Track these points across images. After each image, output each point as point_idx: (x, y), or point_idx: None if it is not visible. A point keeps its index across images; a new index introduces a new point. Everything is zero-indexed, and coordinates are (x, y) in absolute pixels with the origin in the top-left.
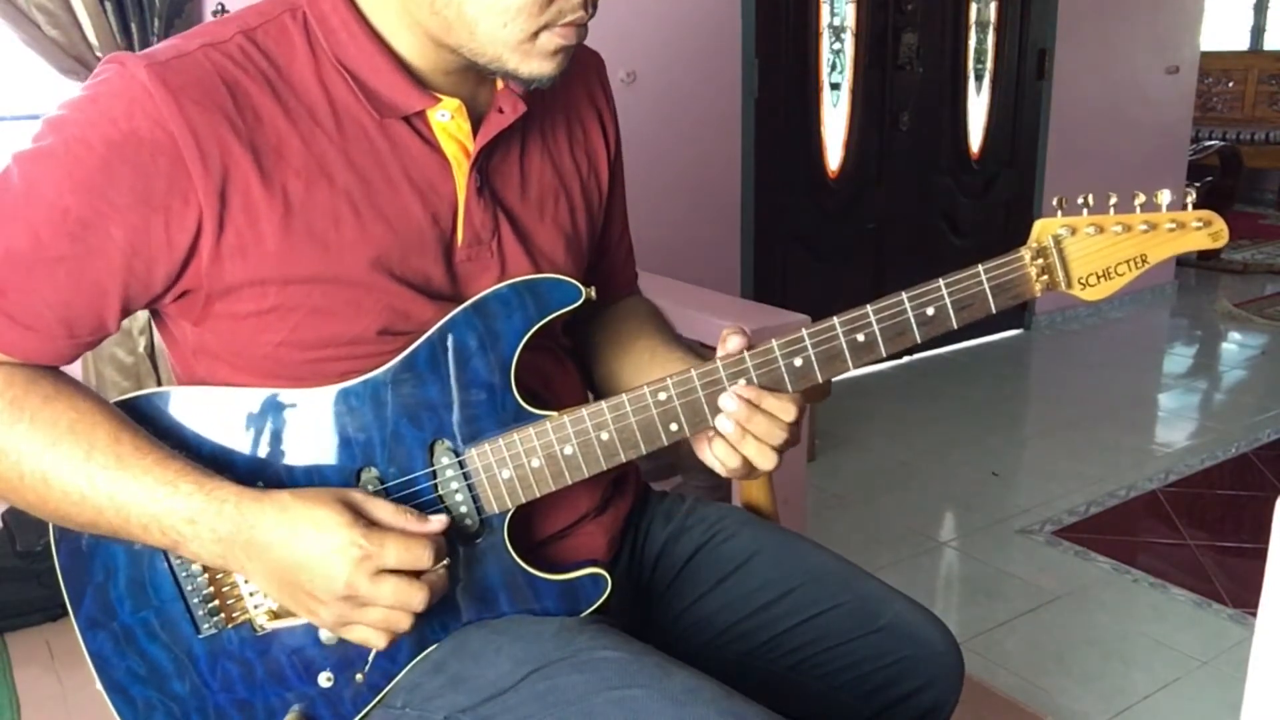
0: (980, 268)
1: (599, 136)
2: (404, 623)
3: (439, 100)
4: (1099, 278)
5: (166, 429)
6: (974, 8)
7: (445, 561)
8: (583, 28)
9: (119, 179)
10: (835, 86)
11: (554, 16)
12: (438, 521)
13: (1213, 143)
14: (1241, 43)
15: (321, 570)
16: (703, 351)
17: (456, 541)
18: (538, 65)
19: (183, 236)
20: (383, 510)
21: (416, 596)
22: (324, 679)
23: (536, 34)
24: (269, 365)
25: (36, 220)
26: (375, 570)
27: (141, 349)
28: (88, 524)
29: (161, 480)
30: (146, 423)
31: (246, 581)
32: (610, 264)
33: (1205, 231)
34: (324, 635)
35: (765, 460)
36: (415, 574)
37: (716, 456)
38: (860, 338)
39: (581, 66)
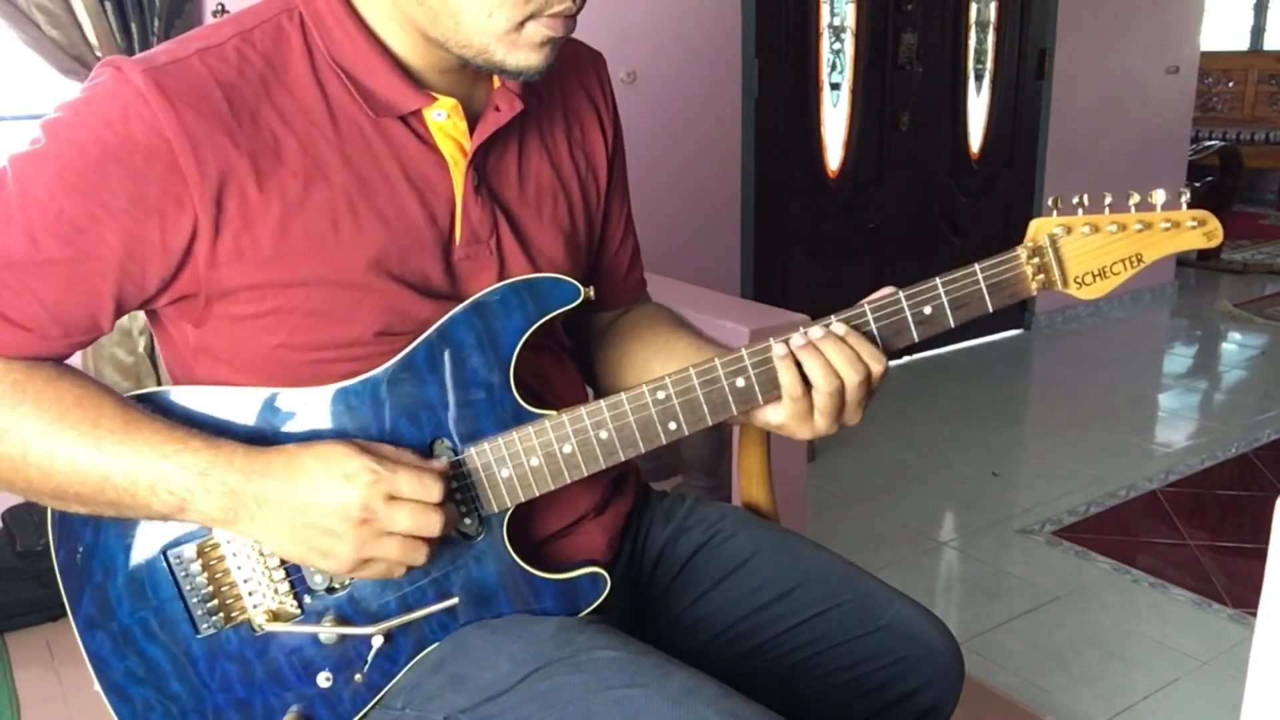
0: (976, 266)
1: (597, 135)
2: (421, 554)
3: (435, 99)
4: (1095, 276)
5: None
6: (974, 8)
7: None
8: (570, 20)
9: (113, 182)
10: (835, 86)
11: (540, 6)
12: (439, 461)
13: (1213, 143)
14: (1241, 43)
15: (335, 500)
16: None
17: (456, 541)
18: (524, 57)
19: (177, 240)
20: (385, 449)
21: (434, 520)
22: (323, 679)
23: (522, 24)
24: (268, 366)
25: (31, 222)
26: (388, 494)
27: (141, 349)
28: (91, 494)
29: (171, 438)
30: None
31: (258, 545)
32: (613, 265)
33: (1200, 230)
34: (323, 636)
35: (827, 382)
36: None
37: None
38: None
39: (581, 65)
